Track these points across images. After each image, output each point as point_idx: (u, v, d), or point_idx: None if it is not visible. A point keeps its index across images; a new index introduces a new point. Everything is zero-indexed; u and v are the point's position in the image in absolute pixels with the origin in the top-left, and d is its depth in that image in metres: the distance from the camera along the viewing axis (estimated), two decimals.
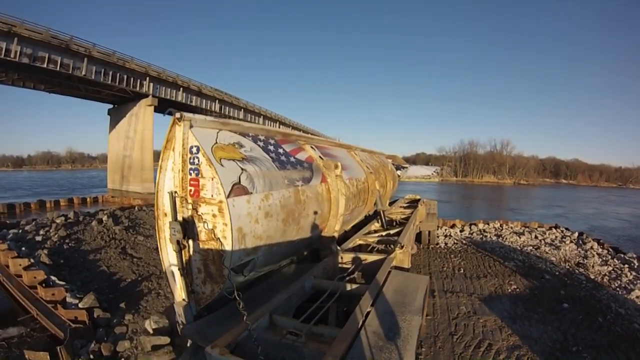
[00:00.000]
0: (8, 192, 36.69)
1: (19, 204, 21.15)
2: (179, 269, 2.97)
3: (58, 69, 26.68)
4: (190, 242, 2.91)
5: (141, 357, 4.67)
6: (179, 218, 2.87)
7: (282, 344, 2.50)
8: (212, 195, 2.82)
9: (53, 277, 7.33)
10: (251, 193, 3.05)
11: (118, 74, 31.19)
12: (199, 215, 2.85)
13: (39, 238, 11.11)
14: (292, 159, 4.11)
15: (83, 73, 28.33)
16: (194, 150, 2.85)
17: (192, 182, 2.88)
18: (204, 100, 41.00)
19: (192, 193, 2.87)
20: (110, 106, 38.12)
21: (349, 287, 3.58)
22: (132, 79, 32.59)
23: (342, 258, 4.58)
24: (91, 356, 4.69)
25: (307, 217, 3.98)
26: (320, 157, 4.84)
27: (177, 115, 2.81)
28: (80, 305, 5.99)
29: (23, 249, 9.67)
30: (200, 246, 2.90)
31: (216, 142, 3.03)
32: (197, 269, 2.98)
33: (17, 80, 29.30)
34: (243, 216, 2.92)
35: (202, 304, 3.02)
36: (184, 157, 2.86)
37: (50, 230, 12.10)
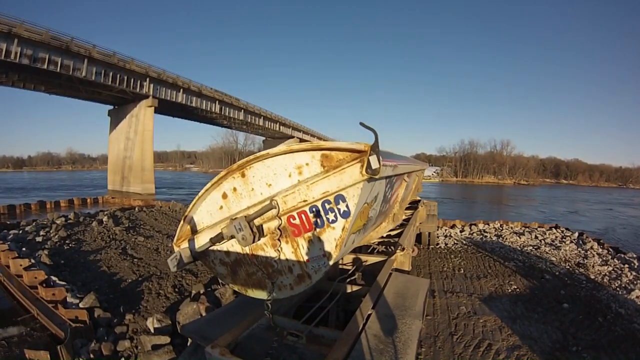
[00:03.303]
0: (49, 192, 36.11)
1: (20, 204, 21.17)
2: (210, 239, 2.50)
3: (58, 70, 26.80)
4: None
5: (141, 356, 4.67)
6: (256, 222, 2.34)
7: (282, 344, 2.49)
8: (307, 261, 2.31)
9: (53, 277, 7.34)
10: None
11: (118, 75, 31.30)
12: (277, 248, 2.35)
13: (39, 239, 11.15)
14: (386, 206, 3.64)
15: (83, 74, 28.44)
16: (341, 205, 2.11)
17: (302, 217, 2.22)
18: (204, 101, 41.08)
19: (292, 223, 2.26)
20: (111, 107, 38.27)
21: (349, 288, 3.58)
22: (132, 80, 32.70)
23: (342, 259, 4.58)
24: (91, 355, 4.70)
25: None
26: (401, 200, 4.56)
27: (372, 159, 1.91)
28: (80, 305, 6.01)
29: (24, 249, 9.70)
30: (247, 259, 2.54)
31: (366, 202, 2.38)
32: (223, 257, 2.61)
33: (17, 81, 29.42)
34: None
35: (205, 266, 2.78)
36: (324, 196, 2.12)
37: (51, 231, 12.16)
